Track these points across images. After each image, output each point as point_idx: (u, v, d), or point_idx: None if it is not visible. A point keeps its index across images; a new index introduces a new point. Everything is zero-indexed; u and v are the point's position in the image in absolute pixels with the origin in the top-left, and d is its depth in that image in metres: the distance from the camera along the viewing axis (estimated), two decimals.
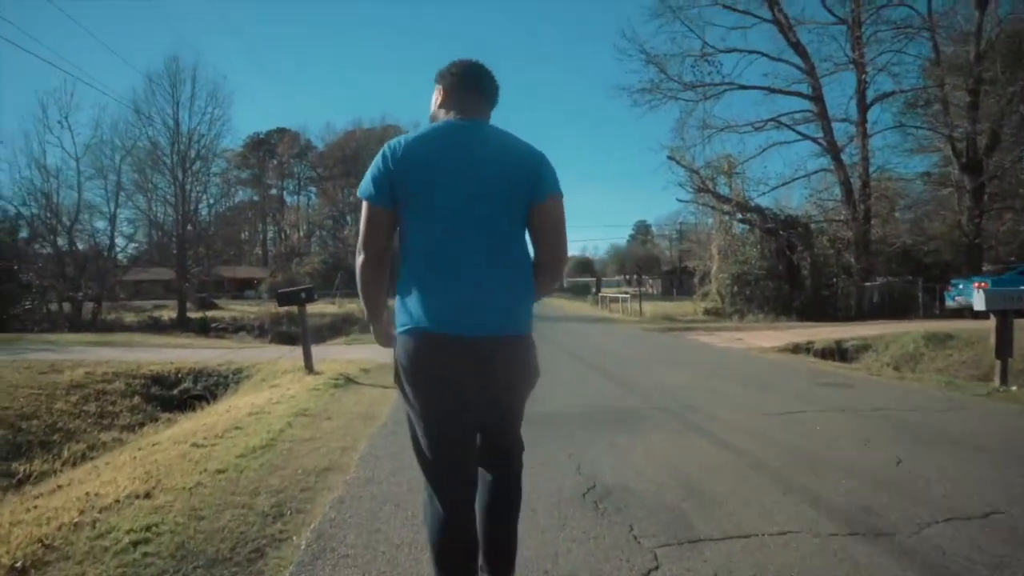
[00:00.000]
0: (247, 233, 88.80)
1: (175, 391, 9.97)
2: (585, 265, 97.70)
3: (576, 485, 3.71)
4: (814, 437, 4.79)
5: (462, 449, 1.95)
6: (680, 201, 29.08)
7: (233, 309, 40.10)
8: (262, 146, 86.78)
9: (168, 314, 31.30)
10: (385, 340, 2.14)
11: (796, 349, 12.70)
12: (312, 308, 33.79)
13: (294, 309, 9.17)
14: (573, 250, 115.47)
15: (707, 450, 4.46)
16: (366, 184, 1.92)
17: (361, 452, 4.59)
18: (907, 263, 23.63)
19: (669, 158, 25.36)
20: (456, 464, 1.94)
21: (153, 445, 5.31)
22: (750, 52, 24.60)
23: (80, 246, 26.80)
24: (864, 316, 21.14)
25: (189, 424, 6.51)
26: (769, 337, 14.71)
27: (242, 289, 62.47)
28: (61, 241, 25.50)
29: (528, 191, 1.92)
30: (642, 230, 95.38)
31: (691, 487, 3.62)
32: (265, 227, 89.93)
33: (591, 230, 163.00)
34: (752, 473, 3.87)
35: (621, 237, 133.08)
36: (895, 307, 21.62)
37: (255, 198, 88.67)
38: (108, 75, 75.25)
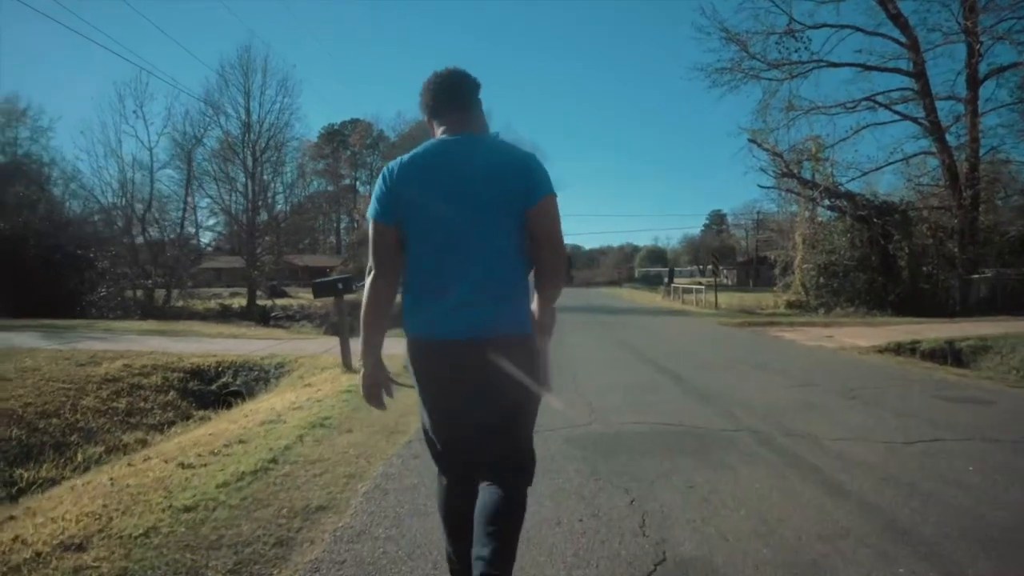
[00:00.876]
0: (321, 223, 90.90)
1: (213, 386, 9.44)
2: (657, 255, 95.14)
3: (639, 554, 2.68)
4: (970, 486, 3.54)
5: (459, 443, 2.05)
6: (761, 187, 27.05)
7: (302, 297, 40.45)
8: (336, 137, 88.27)
9: (239, 302, 31.69)
10: (368, 381, 2.08)
11: (899, 349, 11.08)
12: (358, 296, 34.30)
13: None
14: (646, 239, 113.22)
15: (820, 501, 3.30)
16: (372, 203, 2.02)
17: (369, 483, 3.69)
18: (1022, 254, 21.09)
19: (750, 141, 23.51)
20: (453, 455, 2.08)
21: (144, 460, 4.57)
22: (842, 27, 22.31)
23: (153, 234, 27.35)
24: (971, 312, 18.92)
25: (199, 431, 5.82)
26: (864, 335, 13.05)
27: (314, 278, 63.66)
28: (135, 229, 26.04)
29: (522, 196, 1.95)
30: (717, 219, 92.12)
31: (807, 569, 2.51)
32: (339, 217, 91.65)
33: (664, 219, 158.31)
34: (894, 546, 2.73)
35: (694, 227, 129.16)
36: (1010, 302, 19.27)
37: (329, 188, 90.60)
38: (182, 64, 77.97)
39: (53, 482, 5.39)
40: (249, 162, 34.66)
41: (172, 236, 28.28)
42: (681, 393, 6.52)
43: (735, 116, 70.57)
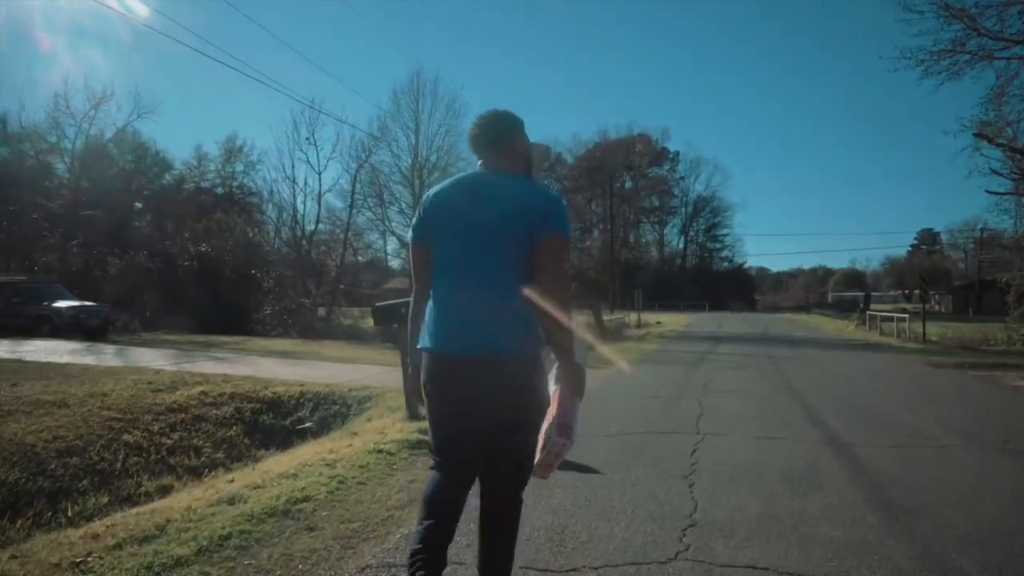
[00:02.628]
0: None
1: (287, 421, 8.35)
2: (854, 279, 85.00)
3: None
4: None
5: (456, 451, 2.21)
6: (991, 193, 21.69)
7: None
8: None
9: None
10: (411, 383, 2.39)
11: None
12: None
13: None
14: (841, 262, 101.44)
15: None
16: (411, 228, 2.36)
17: None
18: None
19: (977, 136, 18.88)
20: (451, 456, 2.21)
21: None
22: None
23: (314, 254, 28.44)
24: None
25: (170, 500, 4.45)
26: None
27: None
28: (303, 249, 27.18)
29: (530, 229, 2.10)
30: (927, 239, 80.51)
31: None
32: None
33: (861, 238, 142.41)
34: None
35: (898, 246, 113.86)
36: None
37: None
38: (356, 85, 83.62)
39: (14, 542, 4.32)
40: (417, 185, 35.34)
41: (332, 255, 29.16)
42: (861, 498, 4.00)
43: (951, 111, 60.50)
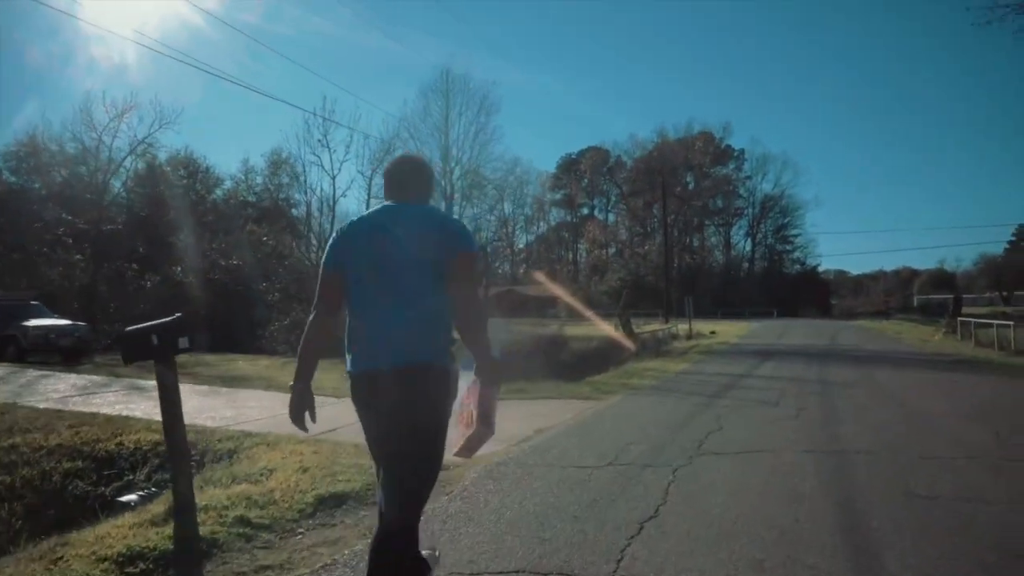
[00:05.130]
0: (558, 252, 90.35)
1: (109, 488, 6.05)
2: (943, 280, 77.55)
3: None
4: None
5: (383, 456, 2.44)
6: None
7: (509, 331, 38.05)
8: (573, 167, 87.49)
9: None
10: (296, 403, 2.50)
11: None
12: (578, 330, 29.11)
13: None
14: (928, 262, 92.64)
15: None
16: (325, 254, 2.55)
17: None
18: None
19: None
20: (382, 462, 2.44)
21: None
22: None
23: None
24: None
25: None
26: None
27: (545, 308, 61.71)
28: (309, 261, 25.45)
29: (441, 250, 2.35)
30: None
31: None
32: (576, 246, 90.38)
33: (950, 234, 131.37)
34: None
35: (994, 243, 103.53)
36: None
37: (568, 218, 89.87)
38: (380, 86, 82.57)
39: None
40: (447, 186, 33.25)
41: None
42: None
43: None
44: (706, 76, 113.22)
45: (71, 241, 28.28)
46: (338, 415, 6.71)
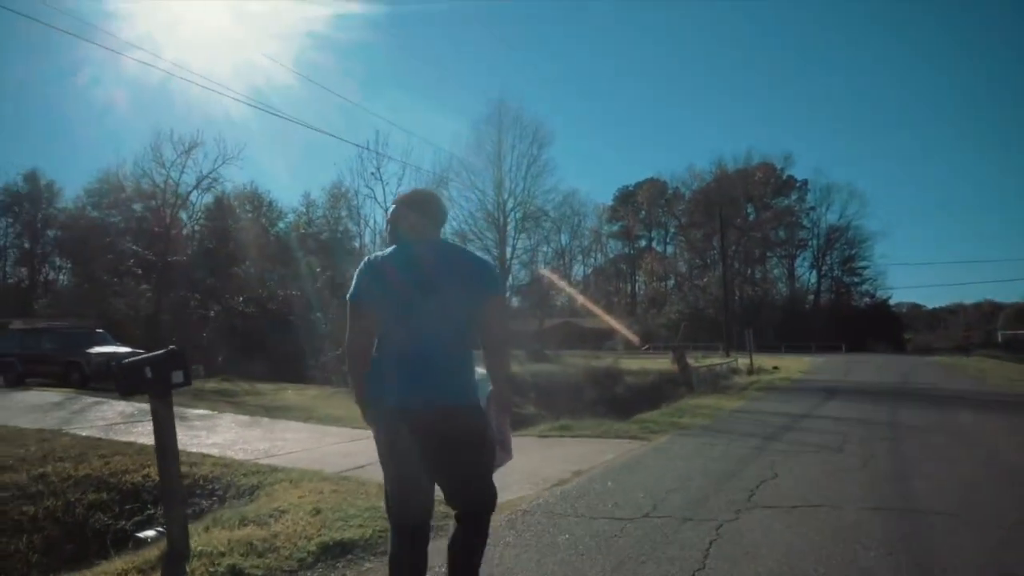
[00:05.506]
0: (616, 284, 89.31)
1: (130, 522, 5.90)
2: None
3: None
4: None
5: (413, 502, 2.56)
6: None
7: (563, 363, 37.45)
8: (630, 198, 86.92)
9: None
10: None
11: None
12: (633, 363, 28.48)
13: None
14: (1012, 295, 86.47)
15: None
16: (352, 288, 2.53)
17: None
18: None
19: None
20: (407, 511, 2.55)
21: None
22: None
23: None
24: None
25: None
26: None
27: (602, 340, 60.76)
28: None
29: (477, 291, 2.49)
30: None
31: None
32: (634, 278, 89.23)
33: None
34: None
35: None
36: None
37: (626, 250, 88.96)
38: (433, 119, 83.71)
39: None
40: (500, 217, 33.21)
41: None
42: None
43: None
44: (767, 106, 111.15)
45: (140, 272, 29.47)
46: (369, 450, 6.43)
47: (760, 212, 74.66)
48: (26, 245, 49.55)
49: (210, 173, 30.73)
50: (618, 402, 19.92)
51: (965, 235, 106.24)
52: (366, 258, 2.59)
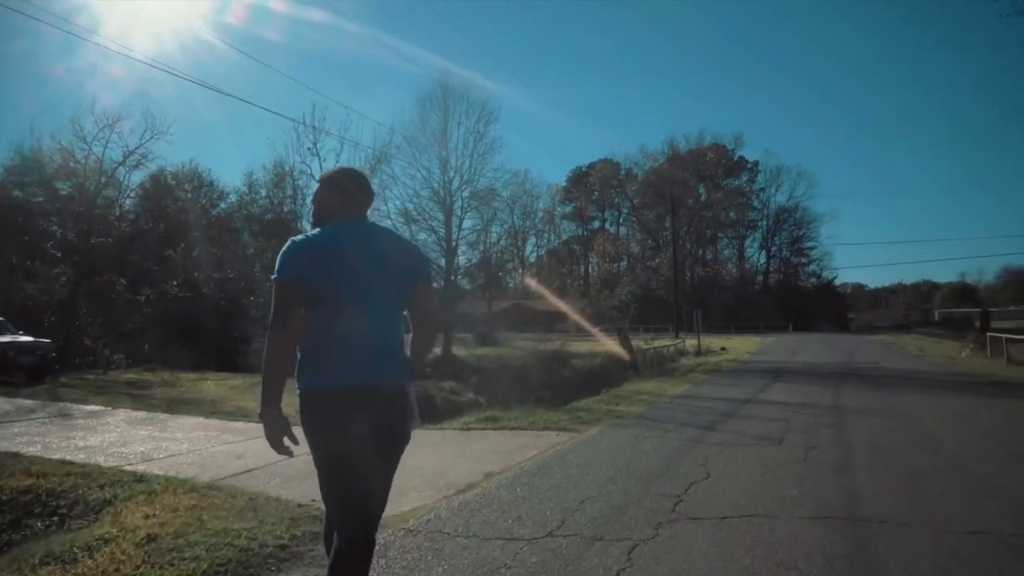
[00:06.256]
0: (569, 266, 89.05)
1: None
2: (964, 293, 75.21)
3: None
4: None
5: (355, 483, 2.31)
6: None
7: (512, 346, 36.81)
8: (583, 180, 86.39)
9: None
10: (273, 431, 2.29)
11: None
12: (583, 345, 28.01)
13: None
14: (948, 275, 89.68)
15: None
16: (280, 266, 2.30)
17: None
18: None
19: None
20: (350, 495, 2.30)
21: None
22: None
23: None
24: None
25: None
26: None
27: (554, 322, 60.31)
28: None
29: (411, 275, 2.46)
30: None
31: None
32: (587, 259, 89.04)
33: (972, 245, 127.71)
34: None
35: (1018, 254, 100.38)
36: None
37: (579, 232, 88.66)
38: (375, 94, 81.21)
39: None
40: (447, 197, 32.06)
41: None
42: None
43: None
44: (718, 87, 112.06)
45: (59, 255, 27.48)
46: (265, 450, 5.54)
47: (711, 193, 75.11)
48: None
49: (137, 148, 28.63)
50: (563, 386, 19.29)
51: (906, 218, 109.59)
52: (293, 239, 2.37)
